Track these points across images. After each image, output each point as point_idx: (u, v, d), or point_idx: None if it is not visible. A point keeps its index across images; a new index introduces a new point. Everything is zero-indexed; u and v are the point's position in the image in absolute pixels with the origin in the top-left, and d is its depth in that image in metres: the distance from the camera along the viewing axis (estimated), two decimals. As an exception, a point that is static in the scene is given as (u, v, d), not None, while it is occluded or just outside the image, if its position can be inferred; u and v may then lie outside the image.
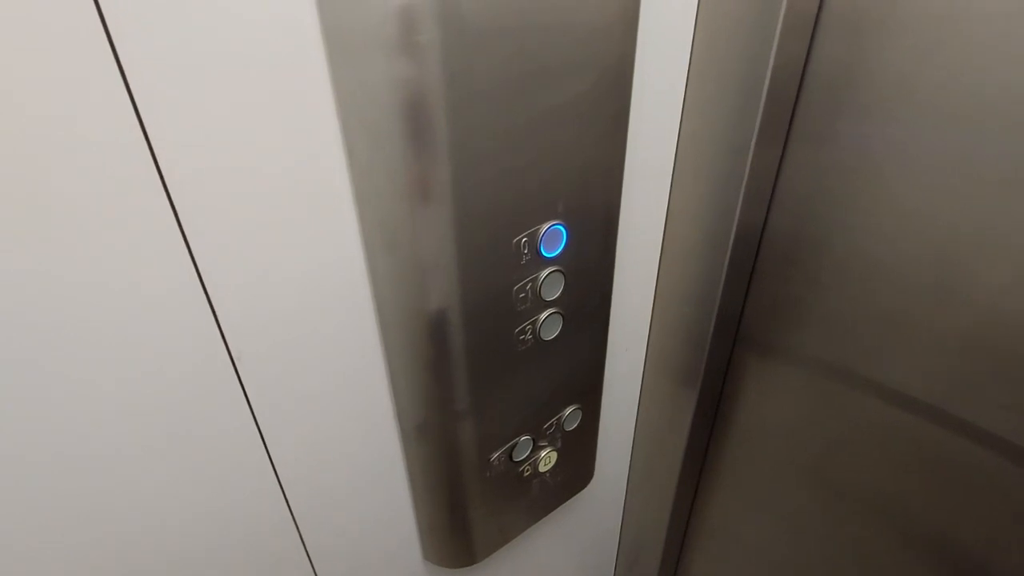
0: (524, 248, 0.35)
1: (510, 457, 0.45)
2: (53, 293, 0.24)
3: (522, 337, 0.39)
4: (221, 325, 0.29)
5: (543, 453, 0.47)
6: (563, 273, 0.38)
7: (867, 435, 0.50)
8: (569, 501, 0.55)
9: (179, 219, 0.26)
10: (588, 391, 0.49)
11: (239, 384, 0.32)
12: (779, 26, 0.38)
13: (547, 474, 0.49)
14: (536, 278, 0.37)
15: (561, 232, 0.36)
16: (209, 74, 0.24)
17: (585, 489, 0.56)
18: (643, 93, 0.38)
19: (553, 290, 0.38)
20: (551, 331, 0.40)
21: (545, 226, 0.35)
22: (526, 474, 0.47)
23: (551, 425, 0.47)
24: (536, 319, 0.39)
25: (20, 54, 0.20)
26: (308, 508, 0.39)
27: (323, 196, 0.30)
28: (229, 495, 0.35)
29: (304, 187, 0.29)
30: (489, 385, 0.40)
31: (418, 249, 0.32)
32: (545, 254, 0.36)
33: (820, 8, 0.39)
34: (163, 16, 0.22)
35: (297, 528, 0.39)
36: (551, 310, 0.39)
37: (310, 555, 0.41)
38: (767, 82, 0.40)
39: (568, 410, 0.47)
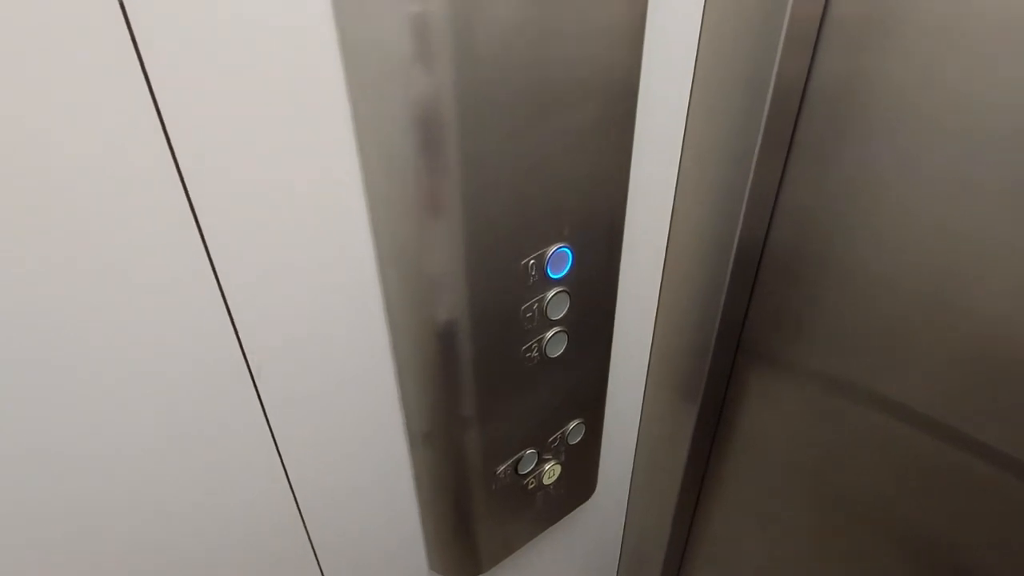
0: (532, 270, 0.36)
1: (515, 470, 0.46)
2: (84, 304, 0.26)
3: (528, 354, 0.40)
4: (240, 337, 0.31)
5: (547, 466, 0.48)
6: (569, 293, 0.39)
7: (869, 447, 0.50)
8: (572, 513, 0.56)
9: (203, 234, 0.27)
10: (591, 405, 0.50)
11: (256, 395, 0.33)
12: (781, 43, 0.39)
13: (551, 486, 0.50)
14: (543, 298, 0.38)
15: (567, 254, 0.38)
16: (233, 96, 0.25)
17: (588, 501, 0.57)
18: (647, 113, 0.40)
19: (559, 310, 0.39)
20: (556, 349, 0.41)
21: (552, 249, 0.37)
22: (530, 486, 0.48)
23: (555, 439, 0.48)
24: (542, 337, 0.40)
25: (54, 67, 0.22)
26: (319, 516, 0.40)
27: (340, 216, 0.31)
28: (245, 508, 0.36)
29: (322, 206, 0.30)
30: (496, 401, 0.41)
31: (430, 272, 0.34)
32: (551, 275, 0.38)
33: (821, 24, 0.40)
34: (189, 37, 0.24)
35: (308, 535, 0.40)
36: (557, 328, 0.40)
37: (320, 562, 0.42)
38: (769, 98, 0.41)
39: (572, 424, 0.48)
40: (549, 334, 0.40)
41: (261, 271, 0.30)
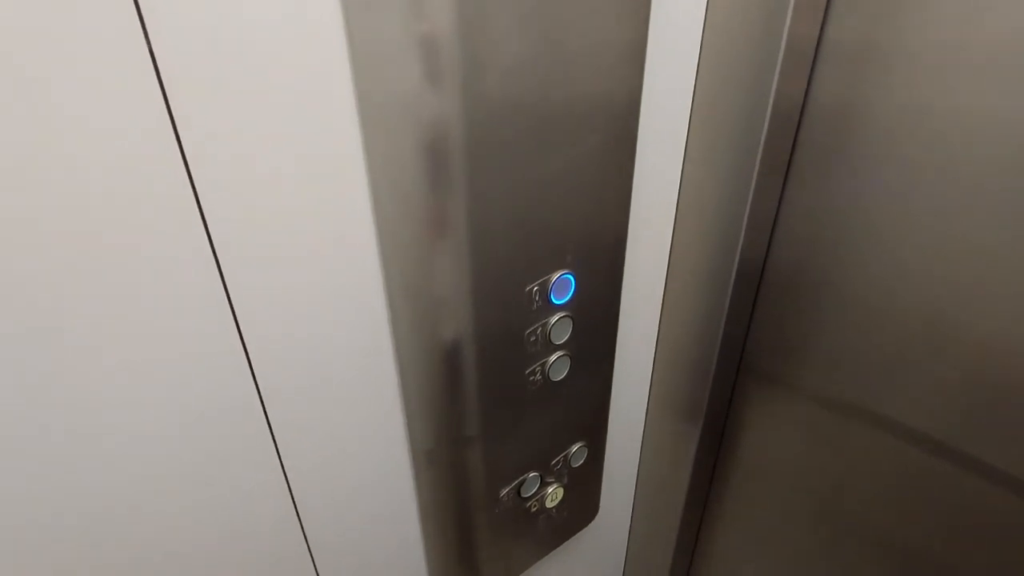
0: (535, 296, 0.37)
1: (518, 493, 0.46)
2: (110, 328, 0.27)
3: (532, 378, 0.41)
4: (248, 352, 0.31)
5: (550, 489, 0.48)
6: (572, 318, 0.40)
7: (871, 467, 0.51)
8: (574, 536, 0.56)
9: (213, 247, 0.28)
10: (594, 428, 0.50)
11: (262, 409, 0.33)
12: (778, 67, 0.40)
13: (553, 510, 0.50)
14: (546, 323, 0.39)
15: (570, 280, 0.38)
16: (244, 118, 0.26)
17: (590, 524, 0.57)
18: (647, 139, 0.41)
19: (562, 334, 0.40)
20: (559, 372, 0.42)
21: (555, 275, 0.37)
22: (533, 510, 0.48)
23: (558, 462, 0.48)
24: (545, 361, 0.41)
25: (72, 81, 0.22)
26: (321, 531, 0.40)
27: (350, 238, 0.32)
28: (246, 520, 0.36)
29: (332, 228, 0.31)
30: (499, 423, 0.41)
31: (436, 297, 0.34)
32: (555, 301, 0.38)
33: (818, 48, 0.41)
34: (212, 76, 0.25)
35: (309, 550, 0.40)
36: (560, 353, 0.41)
37: (321, 584, 0.42)
38: (767, 122, 0.42)
39: (575, 447, 0.49)
40: (552, 358, 0.41)
41: (271, 290, 0.31)
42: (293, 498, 0.37)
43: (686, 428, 0.58)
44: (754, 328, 0.53)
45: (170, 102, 0.24)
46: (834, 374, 0.50)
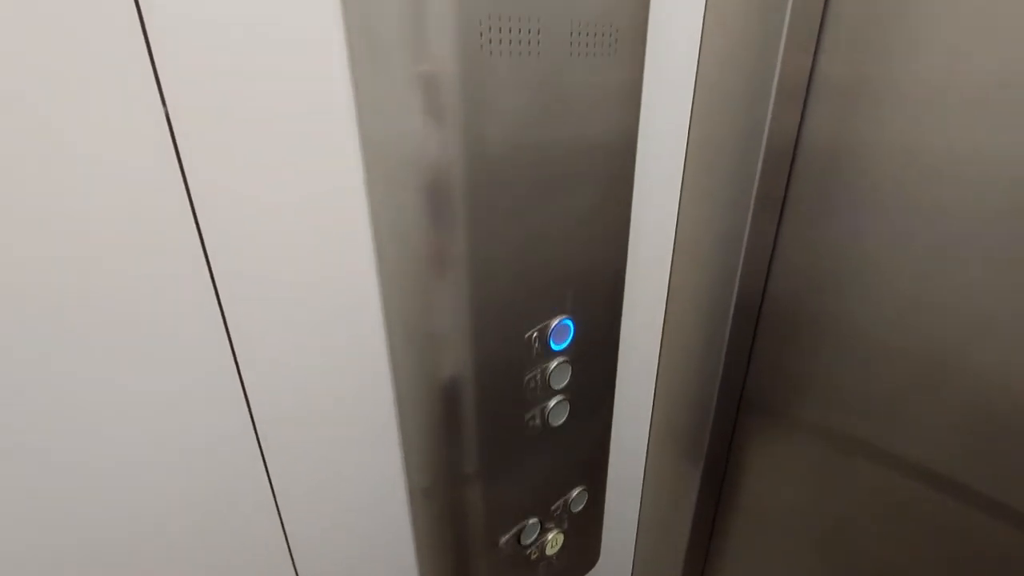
0: (535, 342, 0.37)
1: (518, 540, 0.45)
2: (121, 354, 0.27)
3: (531, 423, 0.41)
4: (246, 387, 0.31)
5: (550, 535, 0.48)
6: (570, 363, 0.40)
7: (873, 503, 0.50)
8: (575, 584, 0.55)
9: (216, 283, 0.28)
10: (594, 472, 0.50)
11: (257, 445, 0.33)
12: (769, 112, 0.41)
13: (554, 557, 0.49)
14: (545, 369, 0.39)
15: (569, 326, 0.39)
16: (253, 160, 0.27)
17: (591, 571, 0.56)
18: (644, 180, 0.42)
19: (561, 379, 0.40)
20: (559, 417, 0.42)
21: (554, 321, 0.38)
22: (533, 557, 0.48)
23: (558, 507, 0.47)
24: (544, 406, 0.41)
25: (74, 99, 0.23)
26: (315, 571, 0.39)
27: (351, 281, 0.33)
28: (240, 558, 0.35)
29: (334, 274, 0.32)
30: (498, 469, 0.41)
31: (436, 344, 0.35)
32: (554, 347, 0.39)
33: (808, 92, 0.42)
34: (226, 133, 0.26)
35: None
36: (559, 397, 0.41)
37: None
38: (760, 165, 0.43)
39: (575, 492, 0.48)
40: (551, 403, 0.41)
41: (269, 321, 0.31)
42: (285, 532, 0.37)
43: (687, 469, 0.58)
44: (754, 363, 0.53)
45: (176, 132, 0.25)
46: (833, 407, 0.50)
